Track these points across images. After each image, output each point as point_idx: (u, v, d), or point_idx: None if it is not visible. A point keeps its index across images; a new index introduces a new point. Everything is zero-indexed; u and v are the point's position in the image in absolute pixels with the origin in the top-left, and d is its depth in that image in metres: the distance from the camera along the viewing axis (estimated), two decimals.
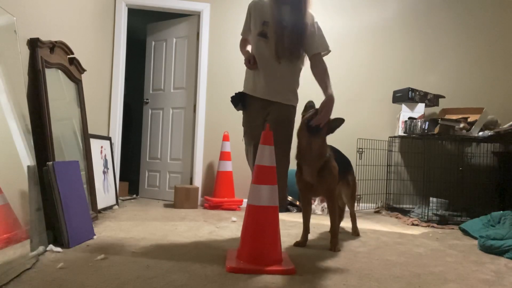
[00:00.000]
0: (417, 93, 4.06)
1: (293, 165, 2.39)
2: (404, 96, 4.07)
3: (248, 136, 2.49)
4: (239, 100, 2.45)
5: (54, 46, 2.53)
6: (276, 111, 2.35)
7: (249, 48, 2.56)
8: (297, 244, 2.44)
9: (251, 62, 2.37)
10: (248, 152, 2.50)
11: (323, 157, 2.30)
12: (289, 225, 3.15)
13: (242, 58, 2.55)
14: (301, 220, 2.49)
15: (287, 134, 2.38)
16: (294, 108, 2.44)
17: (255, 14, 2.42)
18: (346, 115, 4.37)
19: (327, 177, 2.34)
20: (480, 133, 3.68)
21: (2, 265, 1.62)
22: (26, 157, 2.04)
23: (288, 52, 2.32)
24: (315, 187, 2.36)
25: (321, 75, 2.32)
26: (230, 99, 2.47)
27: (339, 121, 2.34)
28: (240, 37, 2.61)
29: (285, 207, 2.36)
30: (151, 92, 4.68)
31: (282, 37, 2.30)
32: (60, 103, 2.65)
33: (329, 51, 2.44)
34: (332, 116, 2.26)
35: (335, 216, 2.42)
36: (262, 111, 2.39)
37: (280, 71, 2.35)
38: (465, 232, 3.07)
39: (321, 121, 2.22)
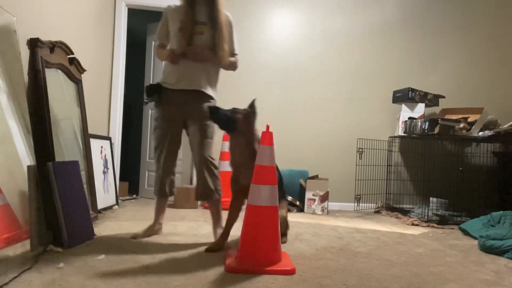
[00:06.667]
0: (417, 93, 4.06)
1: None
2: (404, 96, 4.07)
3: (160, 132, 2.46)
4: (155, 91, 2.43)
5: (54, 46, 2.53)
6: (195, 100, 2.38)
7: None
8: (208, 250, 2.18)
9: (175, 53, 2.38)
10: (161, 152, 2.45)
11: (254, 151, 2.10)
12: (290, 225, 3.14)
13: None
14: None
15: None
16: (213, 99, 2.48)
17: (173, 16, 2.45)
18: (346, 115, 4.43)
19: None
20: (480, 133, 3.68)
21: (2, 265, 1.62)
22: (26, 157, 2.04)
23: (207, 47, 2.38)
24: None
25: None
26: (144, 88, 2.46)
27: (252, 103, 2.20)
28: None
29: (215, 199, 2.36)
30: None
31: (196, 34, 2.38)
32: (60, 103, 2.65)
33: (236, 54, 2.51)
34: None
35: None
36: (181, 106, 2.40)
37: (199, 64, 2.40)
38: (465, 232, 3.07)
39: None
